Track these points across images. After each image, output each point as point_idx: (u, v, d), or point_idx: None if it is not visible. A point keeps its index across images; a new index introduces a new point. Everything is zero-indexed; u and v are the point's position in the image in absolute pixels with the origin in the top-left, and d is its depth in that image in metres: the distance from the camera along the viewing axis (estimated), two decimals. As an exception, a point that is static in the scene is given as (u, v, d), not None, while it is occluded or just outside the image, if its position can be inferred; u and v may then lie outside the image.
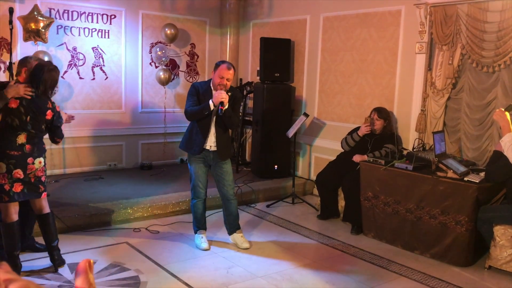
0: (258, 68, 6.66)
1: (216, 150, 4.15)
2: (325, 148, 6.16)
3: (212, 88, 4.11)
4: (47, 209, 3.62)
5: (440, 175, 4.23)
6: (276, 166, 6.31)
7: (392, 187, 4.56)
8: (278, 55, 6.36)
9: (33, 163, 3.45)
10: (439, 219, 4.23)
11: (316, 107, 6.34)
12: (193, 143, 4.17)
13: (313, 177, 6.15)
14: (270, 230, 4.90)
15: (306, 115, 5.75)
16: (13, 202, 3.46)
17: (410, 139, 5.22)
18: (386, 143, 5.00)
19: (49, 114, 3.51)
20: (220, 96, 3.89)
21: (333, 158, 5.54)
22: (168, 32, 6.56)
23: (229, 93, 4.02)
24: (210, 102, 3.94)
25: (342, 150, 5.34)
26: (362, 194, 4.82)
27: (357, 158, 5.01)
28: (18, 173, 3.39)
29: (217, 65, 4.11)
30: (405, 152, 4.87)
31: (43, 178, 3.55)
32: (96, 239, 4.31)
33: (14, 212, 3.49)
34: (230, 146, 4.48)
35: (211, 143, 4.14)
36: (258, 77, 6.65)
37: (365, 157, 4.92)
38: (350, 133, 5.26)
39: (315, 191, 5.87)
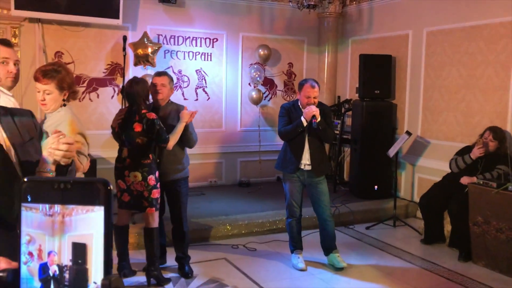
0: (357, 85, 6.58)
1: (311, 168, 4.16)
2: (430, 168, 5.90)
3: (300, 107, 4.17)
4: (152, 224, 3.78)
5: None
6: (376, 187, 6.15)
7: (506, 212, 4.22)
8: (378, 71, 6.26)
9: (129, 176, 3.68)
10: (563, 250, 3.82)
11: (420, 125, 6.10)
12: (288, 162, 4.23)
13: (417, 199, 5.90)
14: (369, 253, 4.78)
15: (409, 133, 5.57)
16: (121, 209, 3.82)
17: (527, 160, 4.80)
18: (498, 164, 4.66)
19: (136, 127, 3.61)
20: (311, 111, 3.96)
21: (438, 179, 5.28)
22: (262, 52, 6.78)
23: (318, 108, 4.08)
24: (302, 118, 4.02)
25: (449, 171, 5.07)
26: (471, 219, 4.51)
27: (465, 180, 4.72)
28: (121, 183, 3.73)
29: (301, 85, 4.17)
30: (520, 174, 4.50)
31: (145, 194, 3.65)
32: (196, 253, 4.48)
33: (121, 218, 3.87)
34: (327, 162, 4.47)
35: (305, 161, 4.16)
36: (357, 95, 6.57)
37: (474, 179, 4.61)
38: (459, 153, 4.98)
39: (419, 214, 5.63)
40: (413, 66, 6.18)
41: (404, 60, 6.31)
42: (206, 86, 6.73)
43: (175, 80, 6.49)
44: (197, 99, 6.68)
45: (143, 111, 3.65)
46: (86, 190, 0.73)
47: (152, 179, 3.68)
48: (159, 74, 3.99)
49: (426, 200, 5.10)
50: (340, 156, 7.17)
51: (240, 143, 7.04)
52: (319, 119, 4.00)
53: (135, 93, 3.65)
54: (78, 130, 2.56)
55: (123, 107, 5.54)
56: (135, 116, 3.65)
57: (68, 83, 2.57)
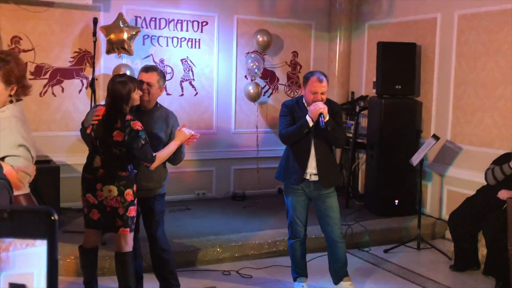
0: (375, 79, 6.59)
1: (318, 178, 4.15)
2: (461, 179, 5.90)
3: (305, 104, 4.18)
4: (124, 248, 3.72)
5: None
6: (396, 201, 6.15)
7: (553, 234, 4.19)
8: (399, 63, 6.26)
9: (101, 190, 3.62)
10: None
11: (450, 128, 6.11)
12: (290, 171, 4.22)
13: (445, 216, 5.91)
14: (388, 281, 4.78)
15: (436, 137, 5.56)
16: (89, 228, 3.79)
17: None
18: (544, 175, 4.64)
19: (116, 135, 3.55)
20: (318, 108, 3.96)
21: (471, 192, 5.29)
22: (260, 39, 6.74)
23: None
24: (307, 117, 4.02)
25: (484, 183, 5.08)
26: (511, 242, 4.49)
27: (503, 194, 4.73)
28: (90, 197, 3.68)
29: (306, 78, 4.17)
30: None
31: (120, 211, 3.62)
32: (180, 281, 4.35)
33: (88, 239, 3.84)
34: (337, 171, 4.49)
35: (311, 170, 4.16)
36: (374, 90, 6.58)
37: (515, 193, 4.61)
38: (497, 162, 4.98)
39: (448, 235, 5.63)
40: (442, 56, 6.17)
41: (431, 50, 6.30)
42: (193, 79, 6.72)
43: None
44: (182, 94, 6.67)
45: (128, 117, 3.58)
46: (26, 221, 0.70)
47: (129, 193, 3.65)
48: (146, 69, 3.94)
49: (456, 218, 5.09)
50: (353, 164, 7.16)
51: (234, 147, 7.04)
52: (327, 118, 4.00)
53: (118, 94, 3.58)
54: (19, 142, 2.53)
55: (94, 102, 5.50)
56: (116, 121, 3.58)
57: (16, 76, 2.56)
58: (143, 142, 3.55)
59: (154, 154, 3.65)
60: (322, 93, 4.09)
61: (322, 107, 3.97)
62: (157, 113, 3.93)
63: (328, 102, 4.17)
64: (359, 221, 5.87)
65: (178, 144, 3.81)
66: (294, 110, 4.20)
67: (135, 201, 3.70)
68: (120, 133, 3.55)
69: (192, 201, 6.68)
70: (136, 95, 3.64)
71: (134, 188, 3.69)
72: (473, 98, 5.83)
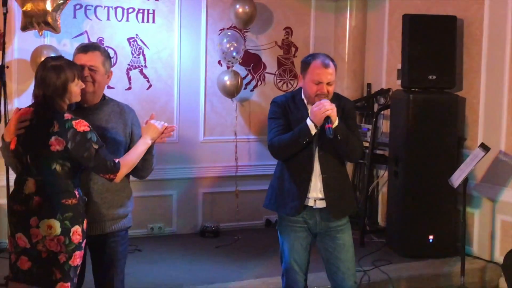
0: (399, 67, 6.62)
1: (326, 205, 4.13)
2: (520, 206, 5.92)
3: (305, 101, 4.16)
4: None
5: None
6: (431, 237, 6.17)
7: None
8: (434, 44, 6.29)
9: (37, 227, 3.49)
10: None
11: (504, 134, 6.14)
12: (286, 196, 4.19)
13: (499, 257, 5.95)
14: None
15: (486, 148, 5.55)
16: (16, 282, 3.63)
17: None
18: None
19: (55, 143, 3.47)
20: (323, 109, 3.90)
21: (535, 224, 5.29)
22: (240, 10, 6.75)
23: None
24: (309, 121, 3.97)
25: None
26: None
27: None
28: (21, 239, 3.53)
29: (307, 64, 4.13)
30: None
31: (61, 258, 3.52)
32: None
33: None
34: (351, 194, 4.48)
35: (316, 194, 4.13)
36: (399, 82, 6.60)
37: None
38: None
39: (502, 283, 5.69)
40: (493, 34, 6.20)
41: (477, 26, 6.34)
42: (145, 66, 6.73)
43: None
44: (129, 88, 6.67)
45: (67, 116, 3.50)
46: None
47: (77, 232, 3.54)
48: (85, 49, 3.86)
49: (515, 261, 5.10)
50: (371, 185, 7.16)
51: (203, 162, 7.04)
52: (336, 122, 3.95)
53: (51, 85, 3.49)
54: None
55: (4, 100, 5.40)
56: (51, 124, 3.48)
57: None
58: (96, 147, 3.48)
59: (116, 161, 3.57)
60: (328, 84, 4.05)
61: (329, 108, 3.90)
62: (107, 108, 3.87)
63: (337, 98, 4.16)
64: (379, 266, 5.88)
65: (150, 143, 3.77)
66: (288, 109, 4.18)
67: (84, 244, 3.60)
68: (60, 139, 3.45)
69: (144, 238, 6.66)
70: (76, 88, 3.56)
71: (85, 224, 3.58)
72: (537, 93, 5.89)
